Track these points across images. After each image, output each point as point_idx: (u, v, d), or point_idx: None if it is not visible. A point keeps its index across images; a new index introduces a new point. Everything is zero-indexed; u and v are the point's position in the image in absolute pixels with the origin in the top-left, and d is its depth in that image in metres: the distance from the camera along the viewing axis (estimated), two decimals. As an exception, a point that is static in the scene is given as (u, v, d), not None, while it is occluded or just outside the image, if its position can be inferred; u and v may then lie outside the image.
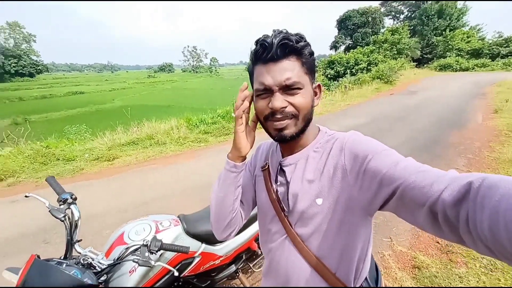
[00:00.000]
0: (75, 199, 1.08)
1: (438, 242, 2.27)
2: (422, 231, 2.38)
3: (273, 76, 0.57)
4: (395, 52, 23.23)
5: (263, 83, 0.59)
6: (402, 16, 40.95)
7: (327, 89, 14.81)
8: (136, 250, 1.02)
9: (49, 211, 1.01)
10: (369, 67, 18.85)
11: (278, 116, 0.59)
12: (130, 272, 1.05)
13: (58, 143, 5.70)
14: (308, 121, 0.63)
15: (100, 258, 1.00)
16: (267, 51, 0.57)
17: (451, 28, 31.15)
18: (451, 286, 1.76)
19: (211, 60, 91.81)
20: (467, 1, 32.58)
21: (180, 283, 1.33)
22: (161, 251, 1.03)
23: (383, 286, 0.81)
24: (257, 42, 0.60)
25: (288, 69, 0.57)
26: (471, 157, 4.24)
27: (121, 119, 7.07)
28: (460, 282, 1.85)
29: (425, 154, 4.44)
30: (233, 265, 1.53)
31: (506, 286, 1.64)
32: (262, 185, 0.75)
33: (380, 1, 40.43)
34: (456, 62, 26.14)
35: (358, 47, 25.43)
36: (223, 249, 1.38)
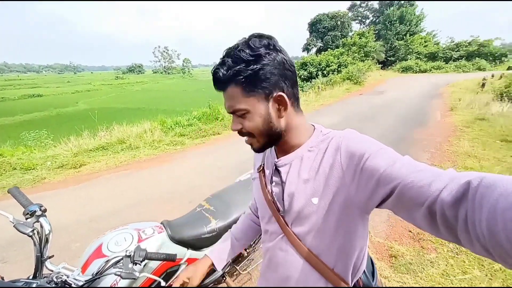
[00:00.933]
0: (45, 210, 0.97)
1: (410, 231, 2.43)
2: (396, 221, 2.55)
3: (224, 103, 0.62)
4: (363, 55, 24.62)
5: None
6: (367, 21, 43.55)
7: (301, 90, 15.23)
8: (117, 262, 0.94)
9: (13, 226, 0.89)
10: (339, 68, 19.73)
11: (240, 135, 0.65)
12: (111, 286, 0.97)
13: (13, 151, 5.17)
14: (270, 136, 0.63)
15: (76, 275, 0.91)
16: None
17: (411, 33, 33.81)
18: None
19: (183, 61, 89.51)
20: (423, 7, 35.61)
21: None
22: (146, 261, 0.96)
23: (379, 279, 0.82)
24: None
25: (230, 97, 0.59)
26: (433, 151, 4.61)
27: (87, 123, 6.62)
28: (432, 266, 1.99)
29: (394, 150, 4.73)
30: (219, 270, 1.48)
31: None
32: (258, 186, 0.76)
33: (349, 5, 42.59)
34: (416, 65, 28.44)
35: (329, 49, 26.54)
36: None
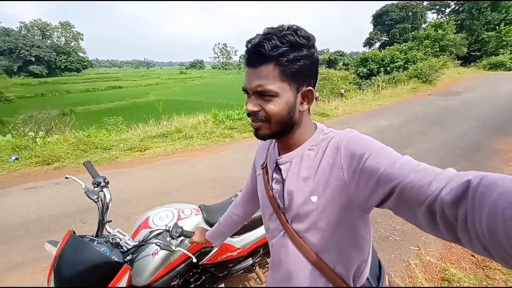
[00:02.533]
0: (108, 183, 1.17)
1: (473, 256, 2.09)
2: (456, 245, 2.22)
3: (249, 80, 0.60)
4: (438, 49, 21.44)
5: (244, 85, 0.62)
6: (448, 10, 37.54)
7: (358, 88, 14.19)
8: (159, 234, 1.09)
9: (84, 193, 1.12)
10: (406, 65, 17.66)
11: (251, 117, 0.63)
12: (153, 254, 1.13)
13: (97, 133, 6.21)
14: (285, 126, 0.62)
15: (127, 239, 1.09)
16: (247, 56, 0.59)
17: (507, 22, 27.78)
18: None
19: (240, 57, 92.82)
20: (527, -8, 28.73)
21: (199, 270, 1.39)
22: (182, 238, 1.09)
23: (387, 283, 0.80)
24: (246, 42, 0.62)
25: (262, 76, 0.57)
26: (520, 166, 3.80)
27: (154, 112, 7.48)
28: None
29: (464, 161, 4.08)
30: (250, 259, 1.56)
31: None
32: (262, 183, 0.78)
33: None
34: (510, 60, 23.35)
35: (395, 43, 23.92)
36: (240, 242, 1.41)
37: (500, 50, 26.40)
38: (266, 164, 0.77)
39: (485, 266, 1.97)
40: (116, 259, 0.99)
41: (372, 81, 15.23)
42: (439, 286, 1.66)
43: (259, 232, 1.45)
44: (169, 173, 3.95)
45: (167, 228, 1.05)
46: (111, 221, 1.14)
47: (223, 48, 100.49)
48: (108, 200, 1.12)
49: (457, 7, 35.89)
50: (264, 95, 0.59)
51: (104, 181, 1.16)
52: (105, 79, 56.49)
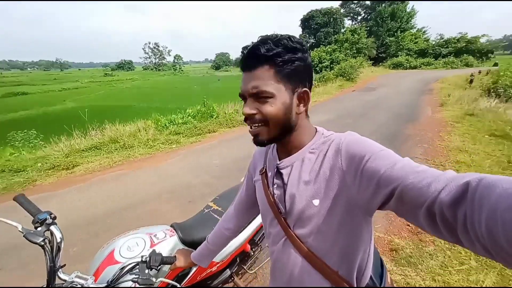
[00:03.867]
0: (55, 218, 0.93)
1: (408, 225, 2.48)
2: (395, 216, 2.60)
3: (245, 84, 0.60)
4: (355, 51, 24.83)
5: (240, 90, 0.62)
6: (359, 18, 43.81)
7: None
8: (132, 268, 0.93)
9: (24, 236, 0.85)
10: (331, 65, 19.86)
11: (248, 121, 0.62)
12: None
13: (0, 153, 4.99)
14: (283, 128, 0.62)
15: (90, 283, 0.88)
16: (243, 60, 0.60)
17: (402, 29, 34.30)
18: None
19: (175, 58, 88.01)
20: (415, 3, 36.28)
21: None
22: (160, 266, 0.95)
23: (389, 281, 0.83)
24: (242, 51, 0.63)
25: (258, 78, 0.58)
26: (426, 146, 4.71)
27: (76, 122, 6.37)
28: (431, 259, 2.05)
29: (387, 146, 4.81)
30: (227, 270, 1.48)
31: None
32: (261, 189, 0.76)
33: (340, 2, 42.76)
34: (406, 61, 28.93)
35: (321, 46, 26.62)
36: (220, 256, 1.32)
37: (398, 52, 32.38)
38: (265, 169, 0.76)
39: (418, 232, 2.36)
40: None
41: (306, 80, 16.60)
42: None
43: (237, 241, 1.39)
44: (110, 190, 3.45)
45: (143, 259, 0.90)
46: (64, 265, 0.90)
47: (154, 47, 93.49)
48: (59, 240, 0.89)
49: (366, 16, 42.25)
50: (260, 96, 0.59)
51: (50, 217, 0.91)
52: (1, 84, 45.72)
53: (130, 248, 1.06)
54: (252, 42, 0.60)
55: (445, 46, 31.47)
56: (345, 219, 0.59)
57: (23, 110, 21.39)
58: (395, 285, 1.87)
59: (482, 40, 31.10)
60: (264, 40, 0.58)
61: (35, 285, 0.87)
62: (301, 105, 0.63)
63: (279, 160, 0.70)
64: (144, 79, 54.17)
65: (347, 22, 41.49)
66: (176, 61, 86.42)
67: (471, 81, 12.33)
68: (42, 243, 0.85)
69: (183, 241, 1.18)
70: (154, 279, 0.87)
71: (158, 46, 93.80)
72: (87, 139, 5.48)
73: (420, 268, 1.97)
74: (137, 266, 0.91)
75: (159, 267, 0.91)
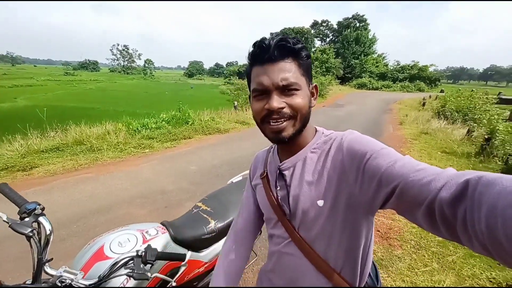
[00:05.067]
0: (43, 209, 0.86)
1: (378, 231, 2.67)
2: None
3: (270, 76, 0.58)
4: (324, 70, 26.48)
5: (261, 83, 0.59)
6: (328, 39, 47.11)
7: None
8: (126, 263, 0.88)
9: (9, 227, 0.78)
10: (303, 81, 20.90)
11: (275, 116, 0.59)
12: (120, 287, 0.90)
13: None
14: (305, 122, 0.63)
15: (80, 278, 0.82)
16: (265, 52, 0.58)
17: (365, 53, 37.65)
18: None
19: (145, 62, 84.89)
20: (375, 31, 40.47)
21: None
22: (155, 262, 0.91)
23: (381, 281, 0.85)
24: (254, 44, 0.60)
25: (286, 70, 0.57)
26: (390, 159, 5.15)
27: (30, 121, 5.71)
28: (399, 261, 2.22)
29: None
30: (212, 272, 1.45)
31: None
32: (262, 192, 0.75)
33: (311, 23, 45.64)
34: (369, 82, 31.71)
35: (294, 62, 27.96)
36: (208, 255, 1.30)
37: (362, 74, 35.29)
38: (266, 172, 0.75)
39: (387, 237, 2.56)
40: None
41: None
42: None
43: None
44: (75, 194, 3.16)
45: (139, 254, 0.87)
46: (52, 259, 0.83)
47: (123, 50, 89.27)
48: (48, 232, 0.82)
49: (333, 38, 45.57)
50: (289, 89, 0.58)
51: (39, 207, 0.84)
52: None
53: (121, 244, 1.01)
54: (265, 38, 0.60)
55: (401, 72, 35.29)
56: (348, 219, 0.59)
57: (-38, 106, 18.70)
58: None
59: (431, 69, 35.58)
60: (284, 35, 0.59)
61: (18, 281, 0.79)
62: (312, 98, 0.65)
63: (281, 162, 0.70)
64: (111, 81, 50.98)
65: (317, 43, 44.37)
66: (147, 65, 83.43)
67: (423, 104, 13.91)
68: (30, 234, 0.79)
69: (175, 239, 1.16)
70: (149, 274, 0.84)
71: (128, 49, 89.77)
72: (47, 140, 4.98)
73: (391, 270, 2.13)
74: (131, 261, 0.87)
75: (154, 262, 0.89)
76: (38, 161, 4.08)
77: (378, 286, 0.78)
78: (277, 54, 0.57)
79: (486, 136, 5.25)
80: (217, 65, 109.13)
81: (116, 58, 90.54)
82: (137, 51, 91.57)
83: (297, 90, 0.58)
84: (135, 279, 0.82)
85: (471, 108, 9.38)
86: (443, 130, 7.66)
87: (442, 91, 25.27)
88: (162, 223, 1.22)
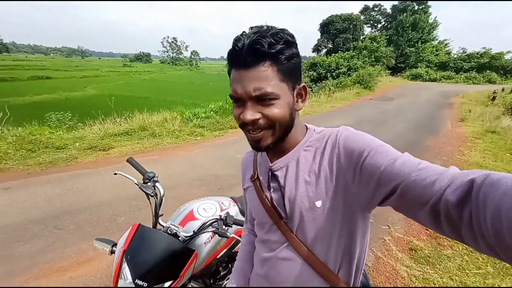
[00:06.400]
0: (157, 177, 1.18)
1: (427, 230, 2.63)
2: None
3: (243, 85, 0.52)
4: (373, 59, 24.60)
5: (235, 91, 0.55)
6: (379, 25, 43.34)
7: (310, 91, 15.36)
8: (212, 223, 1.15)
9: (139, 188, 1.11)
10: (348, 72, 19.81)
11: (250, 127, 0.56)
12: (205, 243, 1.18)
13: (41, 130, 5.38)
14: (287, 129, 0.59)
15: (181, 230, 1.12)
16: (238, 56, 0.52)
17: (423, 41, 33.72)
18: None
19: (191, 53, 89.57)
20: (437, 15, 35.62)
21: (226, 259, 1.47)
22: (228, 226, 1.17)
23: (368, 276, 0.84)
24: (233, 40, 0.54)
25: (260, 79, 0.51)
26: (445, 159, 4.79)
27: (100, 108, 6.69)
28: (449, 260, 2.19)
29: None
30: None
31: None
32: (254, 195, 0.71)
33: (361, 9, 42.46)
34: (426, 73, 28.46)
35: (339, 51, 26.54)
36: None
37: (418, 63, 31.80)
38: (257, 174, 0.71)
39: (436, 237, 2.51)
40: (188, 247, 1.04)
41: (323, 84, 16.64)
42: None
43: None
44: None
45: (222, 217, 1.13)
46: (162, 215, 1.15)
47: (173, 42, 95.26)
48: (162, 194, 1.14)
49: (386, 24, 41.71)
50: (263, 99, 0.53)
51: (156, 176, 1.17)
52: (27, 67, 47.63)
53: (206, 209, 1.30)
54: (244, 33, 0.53)
55: (467, 61, 30.73)
56: (345, 217, 0.58)
57: (47, 94, 22.38)
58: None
59: (507, 56, 30.19)
60: (261, 33, 0.51)
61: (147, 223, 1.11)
62: (300, 100, 0.60)
63: (271, 162, 0.67)
64: (161, 72, 55.37)
65: (367, 30, 41.19)
66: (192, 56, 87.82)
67: (493, 98, 12.12)
68: (152, 194, 1.11)
69: (242, 212, 1.41)
70: (229, 234, 1.09)
71: (176, 41, 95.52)
72: (119, 125, 5.83)
73: (438, 268, 2.13)
74: (216, 222, 1.13)
75: (231, 225, 1.14)
76: (114, 143, 4.86)
77: (370, 285, 0.77)
78: (249, 60, 0.51)
79: None
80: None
81: (166, 50, 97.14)
82: (184, 43, 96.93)
83: (274, 99, 0.53)
84: (219, 235, 1.08)
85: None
86: (515, 129, 6.71)
87: (520, 83, 21.54)
88: (232, 198, 1.49)
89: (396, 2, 38.71)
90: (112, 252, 1.05)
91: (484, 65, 29.47)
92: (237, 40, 0.52)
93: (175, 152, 4.68)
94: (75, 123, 6.11)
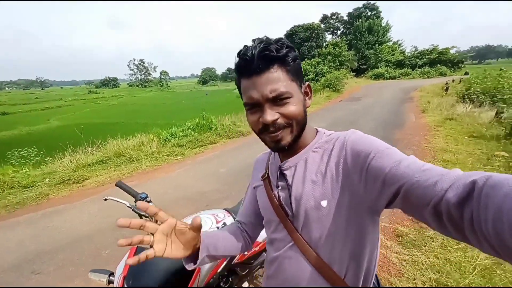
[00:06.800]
0: (150, 197, 1.17)
1: (409, 217, 2.79)
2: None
3: (259, 89, 0.57)
4: (338, 64, 26.10)
5: (251, 97, 0.58)
6: (339, 32, 46.32)
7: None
8: None
9: (133, 210, 1.09)
10: (316, 77, 20.81)
11: (272, 129, 0.59)
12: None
13: (3, 170, 4.96)
14: (303, 126, 0.63)
15: None
16: (249, 64, 0.57)
17: (379, 43, 36.58)
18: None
19: (161, 73, 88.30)
20: (388, 19, 39.21)
21: (225, 272, 1.46)
22: None
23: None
24: (238, 54, 0.59)
25: (274, 80, 0.56)
26: (414, 148, 5.15)
27: (63, 140, 6.26)
28: (432, 241, 2.35)
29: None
30: (264, 253, 1.70)
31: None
32: (263, 194, 0.74)
33: (320, 18, 45.20)
34: (386, 72, 30.73)
35: (306, 59, 27.82)
36: (262, 236, 1.55)
37: (378, 64, 34.25)
38: (268, 174, 0.75)
39: (418, 221, 2.67)
40: None
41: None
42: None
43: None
44: (128, 199, 3.56)
45: (219, 228, 1.14)
46: None
47: (140, 64, 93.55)
48: None
49: (345, 30, 44.71)
50: (280, 99, 0.57)
51: (149, 196, 1.15)
52: (-23, 105, 43.88)
53: (202, 224, 1.30)
54: (246, 46, 0.59)
55: (420, 57, 33.80)
56: (352, 220, 0.59)
57: (5, 131, 20.65)
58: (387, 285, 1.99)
59: (452, 51, 33.68)
60: (266, 42, 0.57)
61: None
62: (307, 98, 0.65)
63: (281, 162, 0.70)
64: (131, 95, 53.76)
65: (328, 37, 43.80)
66: (162, 77, 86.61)
67: (446, 89, 13.36)
68: (147, 215, 1.09)
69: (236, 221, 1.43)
70: None
71: (144, 63, 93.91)
72: (91, 154, 5.55)
73: (424, 249, 2.27)
74: None
75: None
76: (88, 174, 4.60)
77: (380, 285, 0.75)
78: (261, 65, 0.56)
79: (516, 117, 5.09)
80: (229, 69, 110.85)
81: (134, 73, 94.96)
82: (152, 64, 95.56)
83: (288, 98, 0.58)
84: None
85: (499, 89, 8.92)
86: (469, 115, 7.42)
87: (466, 73, 23.98)
88: (225, 209, 1.50)
89: (351, 10, 41.88)
90: (110, 282, 1.01)
91: (435, 60, 32.59)
92: (243, 52, 0.57)
93: (155, 174, 4.55)
94: (42, 157, 5.70)
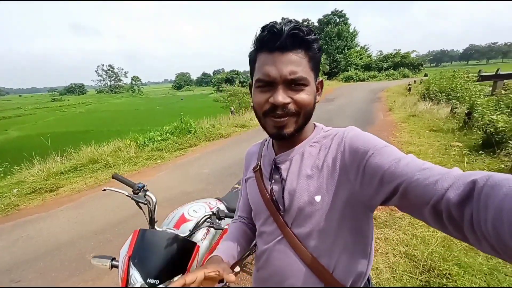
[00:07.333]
0: (147, 187, 1.23)
1: (380, 201, 3.07)
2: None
3: (278, 67, 0.54)
4: (310, 67, 27.10)
5: (267, 74, 0.55)
6: (310, 38, 48.05)
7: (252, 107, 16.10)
8: (205, 220, 1.24)
9: (132, 199, 1.14)
10: (292, 80, 21.45)
11: (279, 112, 0.57)
12: (201, 239, 1.26)
13: (-39, 184, 4.55)
14: (308, 118, 0.61)
15: (177, 232, 1.18)
16: (275, 39, 0.53)
17: (348, 47, 38.67)
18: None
19: (132, 79, 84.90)
20: (355, 25, 41.85)
21: None
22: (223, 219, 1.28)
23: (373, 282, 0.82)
24: (264, 28, 0.55)
25: (296, 63, 0.54)
26: (383, 142, 5.59)
27: (26, 150, 5.79)
28: (400, 220, 2.62)
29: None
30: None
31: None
32: (254, 186, 0.72)
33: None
34: (356, 74, 32.61)
35: (280, 63, 28.55)
36: None
37: (348, 67, 36.18)
38: (260, 165, 0.73)
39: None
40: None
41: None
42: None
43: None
44: (105, 205, 3.47)
45: (214, 212, 1.23)
46: (157, 221, 1.20)
47: (109, 70, 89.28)
48: (155, 202, 1.19)
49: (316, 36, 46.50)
50: (296, 84, 0.55)
51: (146, 186, 1.21)
52: None
53: (196, 211, 1.39)
54: (276, 22, 0.55)
55: (385, 61, 36.45)
56: (345, 216, 0.58)
57: (-45, 144, 18.59)
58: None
59: (413, 55, 36.91)
60: (297, 23, 0.54)
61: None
62: (317, 94, 0.63)
63: (276, 155, 0.68)
64: (100, 102, 50.98)
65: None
66: (134, 82, 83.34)
67: (409, 89, 14.56)
68: (146, 202, 1.16)
69: (228, 208, 1.53)
70: (223, 226, 1.21)
71: (113, 68, 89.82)
72: (61, 163, 5.27)
73: (394, 228, 2.53)
74: (209, 218, 1.23)
75: (224, 218, 1.25)
76: (61, 182, 4.38)
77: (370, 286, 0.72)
78: (289, 43, 0.53)
79: (467, 111, 5.74)
80: (204, 74, 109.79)
81: (103, 79, 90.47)
82: (122, 69, 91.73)
83: (305, 85, 0.56)
84: (214, 228, 1.19)
85: (453, 88, 9.95)
86: (429, 111, 8.18)
87: (426, 75, 26.23)
88: (217, 198, 1.59)
89: (320, 17, 43.87)
90: (113, 266, 1.06)
91: (398, 63, 35.37)
92: (272, 25, 0.54)
93: (136, 178, 4.44)
94: (8, 167, 5.29)
